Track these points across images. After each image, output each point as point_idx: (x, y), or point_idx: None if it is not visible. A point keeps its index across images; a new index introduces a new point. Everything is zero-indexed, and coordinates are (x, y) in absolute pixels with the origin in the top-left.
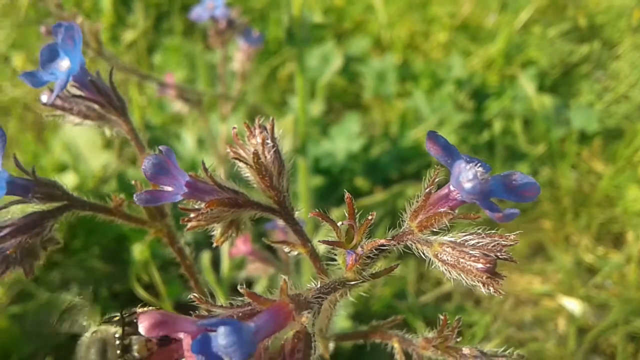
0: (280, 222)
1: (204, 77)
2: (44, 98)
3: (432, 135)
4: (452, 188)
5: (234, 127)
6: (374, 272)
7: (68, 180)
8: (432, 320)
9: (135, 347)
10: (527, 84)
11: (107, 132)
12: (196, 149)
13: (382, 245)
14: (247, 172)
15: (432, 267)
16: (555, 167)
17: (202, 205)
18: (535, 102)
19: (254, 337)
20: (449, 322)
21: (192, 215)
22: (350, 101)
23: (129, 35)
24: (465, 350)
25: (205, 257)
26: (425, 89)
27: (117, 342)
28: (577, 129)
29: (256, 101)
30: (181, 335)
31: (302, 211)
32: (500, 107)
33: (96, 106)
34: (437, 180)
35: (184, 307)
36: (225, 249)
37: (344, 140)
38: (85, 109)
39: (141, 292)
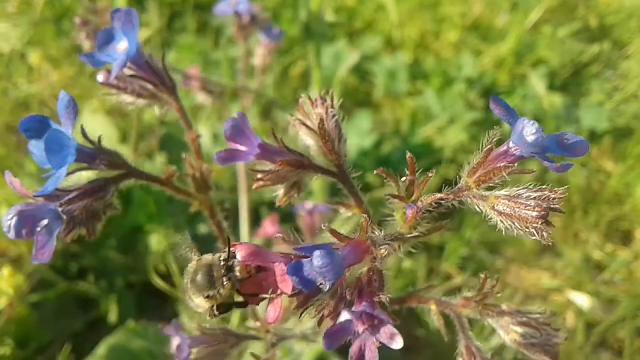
0: (308, 206)
1: (226, 71)
2: (101, 78)
3: (495, 98)
4: (511, 145)
5: (301, 97)
6: (423, 232)
7: (87, 175)
8: (443, 314)
9: (237, 269)
10: (537, 83)
11: (157, 110)
12: (212, 144)
13: (441, 199)
14: (308, 140)
15: (489, 219)
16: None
17: (268, 168)
18: (545, 101)
19: (342, 262)
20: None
21: (260, 176)
22: (361, 99)
23: (143, 34)
24: (504, 306)
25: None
26: (436, 88)
27: (222, 263)
28: (587, 128)
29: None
30: (272, 265)
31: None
32: (512, 105)
33: (149, 86)
34: (495, 139)
35: None
36: (245, 234)
37: (356, 137)
38: (139, 89)
39: (158, 282)
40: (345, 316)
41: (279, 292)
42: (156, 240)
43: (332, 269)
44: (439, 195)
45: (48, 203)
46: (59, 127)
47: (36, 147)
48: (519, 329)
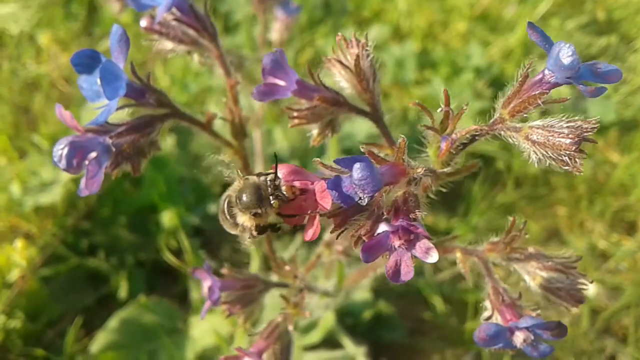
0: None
1: (248, 44)
2: (144, 23)
3: (532, 25)
4: (546, 72)
5: (338, 35)
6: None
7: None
8: (449, 297)
9: (283, 188)
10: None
11: (196, 58)
12: (222, 127)
13: (475, 132)
14: (342, 82)
15: (521, 150)
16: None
17: (304, 106)
18: (553, 92)
19: (380, 176)
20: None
21: (295, 114)
22: None
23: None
24: (531, 249)
25: None
26: (444, 76)
27: (269, 183)
28: (594, 119)
29: None
30: (311, 183)
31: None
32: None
33: (191, 31)
34: (529, 70)
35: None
36: None
37: (364, 123)
38: (181, 34)
39: (170, 258)
40: (383, 227)
41: (317, 210)
42: (168, 217)
43: (371, 181)
44: (473, 127)
45: (97, 136)
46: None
47: (86, 82)
48: (545, 273)
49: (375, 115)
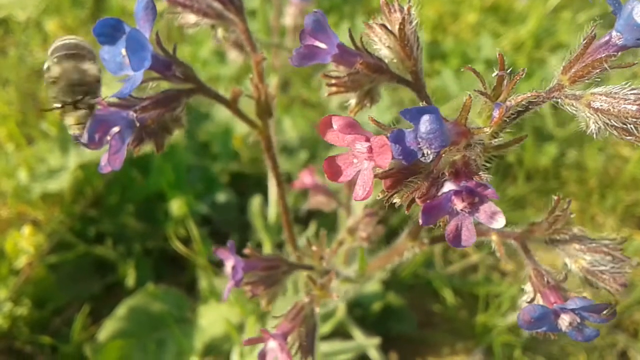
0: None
1: (263, 27)
2: None
3: None
4: (614, 34)
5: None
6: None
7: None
8: (459, 290)
9: None
10: (557, 66)
11: (220, 33)
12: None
13: (532, 98)
14: (382, 50)
15: (577, 119)
16: (583, 150)
17: (342, 74)
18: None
19: (448, 132)
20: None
21: (333, 81)
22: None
23: None
24: (575, 230)
25: (256, 201)
26: (454, 68)
27: None
28: None
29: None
30: (366, 138)
31: None
32: (529, 88)
33: (216, 4)
34: (594, 32)
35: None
36: (273, 194)
37: (375, 112)
38: (205, 7)
39: (179, 246)
40: (449, 187)
41: (371, 167)
42: (177, 205)
43: (440, 135)
44: (529, 94)
45: (120, 110)
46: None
47: (108, 53)
48: (588, 256)
49: (417, 84)
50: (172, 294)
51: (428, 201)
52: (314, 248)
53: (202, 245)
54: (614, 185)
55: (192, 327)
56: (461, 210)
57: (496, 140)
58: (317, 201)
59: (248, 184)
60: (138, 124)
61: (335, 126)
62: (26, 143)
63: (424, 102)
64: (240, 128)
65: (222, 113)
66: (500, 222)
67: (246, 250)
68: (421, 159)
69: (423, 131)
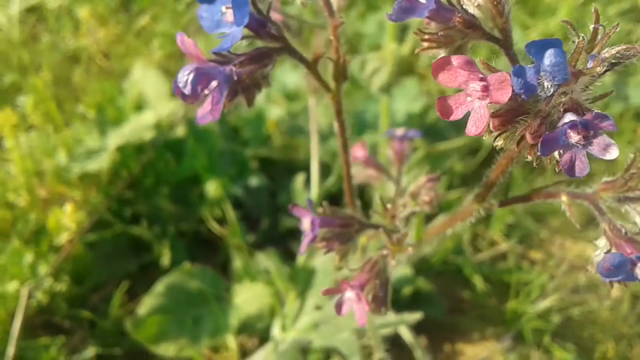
0: (399, 131)
1: (310, 9)
2: None
3: None
4: None
5: None
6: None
7: (148, 118)
8: (488, 277)
9: None
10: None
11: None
12: (263, 100)
13: (626, 50)
14: (469, 5)
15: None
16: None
17: (435, 30)
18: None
19: (568, 67)
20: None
21: (426, 37)
22: (405, 69)
23: None
24: None
25: (299, 179)
26: (484, 58)
27: None
28: (635, 106)
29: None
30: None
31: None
32: None
33: None
34: None
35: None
36: (315, 173)
37: (404, 101)
38: None
39: (215, 227)
40: (569, 117)
41: (485, 105)
42: (213, 187)
43: (563, 69)
44: (624, 46)
45: (218, 65)
46: None
47: (207, 11)
48: None
49: (506, 42)
50: (207, 272)
51: (534, 140)
52: (388, 206)
53: (236, 227)
54: None
55: (227, 305)
56: (575, 143)
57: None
58: (367, 175)
59: (278, 170)
60: (235, 78)
61: (455, 63)
62: (64, 125)
63: (512, 61)
64: (274, 113)
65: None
66: (613, 153)
67: (320, 209)
68: (540, 94)
69: (547, 64)
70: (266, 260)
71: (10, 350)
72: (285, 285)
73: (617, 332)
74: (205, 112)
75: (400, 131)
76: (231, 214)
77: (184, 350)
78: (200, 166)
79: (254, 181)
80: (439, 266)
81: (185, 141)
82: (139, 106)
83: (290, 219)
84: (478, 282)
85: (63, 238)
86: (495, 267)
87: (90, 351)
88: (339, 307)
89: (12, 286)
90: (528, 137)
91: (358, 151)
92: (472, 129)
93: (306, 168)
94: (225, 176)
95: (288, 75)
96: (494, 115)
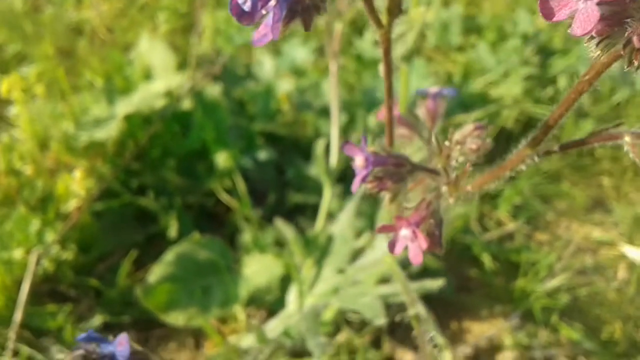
0: (433, 89)
1: None
2: None
3: None
4: None
5: None
6: None
7: (158, 86)
8: (496, 256)
9: None
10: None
11: None
12: (274, 74)
13: None
14: None
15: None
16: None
17: None
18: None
19: None
20: None
21: None
22: (411, 49)
23: None
24: None
25: (320, 143)
26: (490, 42)
27: None
28: None
29: None
30: None
31: None
32: (565, 65)
33: None
34: None
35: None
36: (335, 139)
37: (416, 79)
38: None
39: (225, 198)
40: None
41: (594, 3)
42: (223, 158)
43: None
44: None
45: None
46: None
47: None
48: None
49: None
50: (216, 243)
51: None
52: (447, 143)
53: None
54: None
55: (236, 276)
56: None
57: None
58: (399, 134)
59: (285, 146)
60: None
61: None
62: (69, 94)
63: None
64: (284, 87)
65: (265, 73)
66: None
67: (370, 148)
68: None
69: None
70: (283, 226)
71: (18, 315)
72: (302, 252)
73: (624, 313)
74: (263, 34)
75: (434, 89)
76: (241, 185)
77: (194, 319)
78: (209, 138)
79: (262, 155)
80: (447, 244)
81: (192, 114)
82: (148, 76)
83: (297, 194)
84: (486, 260)
85: (71, 205)
86: (502, 246)
87: (98, 319)
88: (392, 245)
89: (18, 253)
90: (636, 40)
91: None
92: (577, 31)
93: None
94: (235, 148)
95: (297, 50)
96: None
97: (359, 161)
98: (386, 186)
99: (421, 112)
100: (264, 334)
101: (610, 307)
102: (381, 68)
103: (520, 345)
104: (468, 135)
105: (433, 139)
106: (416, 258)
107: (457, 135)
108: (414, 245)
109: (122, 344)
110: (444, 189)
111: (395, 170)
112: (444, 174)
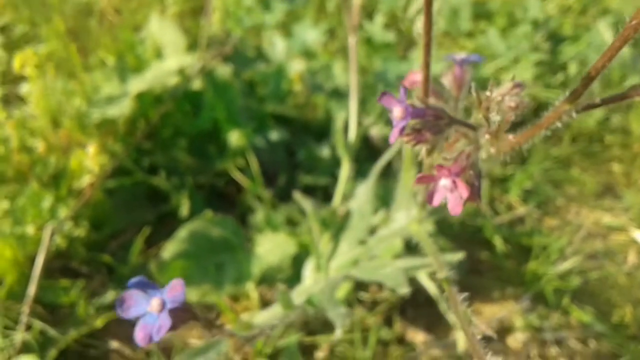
0: (459, 56)
1: None
2: None
3: None
4: None
5: None
6: None
7: (171, 64)
8: (507, 239)
9: None
10: (605, 31)
11: None
12: (286, 55)
13: None
14: None
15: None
16: (628, 114)
17: None
18: None
19: None
20: None
21: None
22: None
23: None
24: None
25: (340, 117)
26: (500, 28)
27: None
28: None
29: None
30: None
31: None
32: (575, 52)
33: None
34: None
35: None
36: (353, 115)
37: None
38: None
39: (238, 176)
40: None
41: None
42: (236, 137)
43: None
44: None
45: None
46: None
47: None
48: None
49: None
50: (229, 221)
51: None
52: (487, 93)
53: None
54: None
55: (249, 254)
56: None
57: None
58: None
59: (296, 128)
60: None
61: None
62: (81, 72)
63: None
64: (296, 67)
65: (277, 53)
66: None
67: (409, 101)
68: None
69: None
70: (302, 199)
71: (32, 289)
72: (319, 226)
73: (634, 297)
74: None
75: (461, 55)
76: (254, 163)
77: (207, 296)
78: (221, 118)
79: (273, 136)
80: (458, 228)
81: (203, 94)
82: (159, 55)
83: (308, 176)
84: (498, 243)
85: (84, 181)
86: (513, 230)
87: (111, 295)
88: (430, 196)
89: (31, 229)
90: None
91: (417, 75)
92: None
93: (325, 127)
94: (247, 127)
95: (308, 32)
96: None
97: (397, 112)
98: (424, 138)
99: (447, 80)
100: (290, 299)
101: (620, 291)
102: (418, 25)
103: (531, 327)
104: (506, 94)
105: (473, 92)
106: (456, 208)
107: (495, 94)
108: (453, 195)
109: (175, 289)
110: (484, 139)
111: (433, 122)
112: (485, 124)
